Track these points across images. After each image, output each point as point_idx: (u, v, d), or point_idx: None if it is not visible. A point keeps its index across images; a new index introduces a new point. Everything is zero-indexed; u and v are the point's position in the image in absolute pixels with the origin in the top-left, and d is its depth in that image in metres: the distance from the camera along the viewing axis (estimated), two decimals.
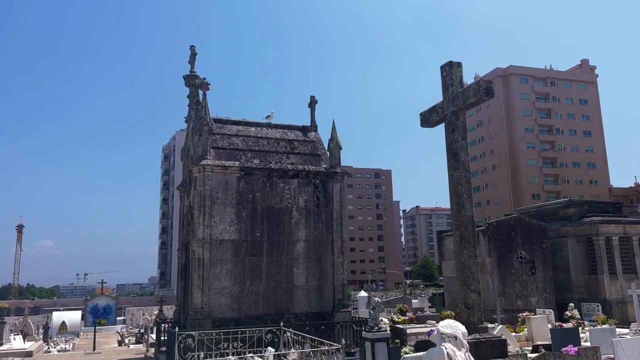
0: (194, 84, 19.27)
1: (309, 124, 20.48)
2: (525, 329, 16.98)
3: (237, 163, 17.03)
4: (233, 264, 16.42)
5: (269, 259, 16.87)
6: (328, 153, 18.77)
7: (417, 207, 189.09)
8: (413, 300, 30.00)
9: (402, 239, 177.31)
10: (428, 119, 6.77)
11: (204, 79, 17.37)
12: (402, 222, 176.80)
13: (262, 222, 16.98)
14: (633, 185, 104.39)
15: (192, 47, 19.51)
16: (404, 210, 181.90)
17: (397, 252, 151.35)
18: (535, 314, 19.33)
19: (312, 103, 20.45)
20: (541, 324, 16.47)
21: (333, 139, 18.49)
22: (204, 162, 16.47)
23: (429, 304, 24.22)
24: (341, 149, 18.55)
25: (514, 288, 22.31)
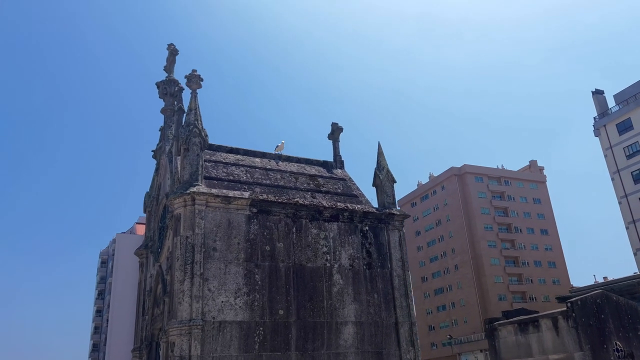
0: (172, 92, 13.15)
1: (332, 159, 14.54)
2: None
3: (246, 194, 10.54)
4: None
5: (301, 357, 9.84)
6: (377, 191, 12.66)
7: None
8: None
9: None
10: None
11: (195, 70, 11.35)
12: None
13: (287, 290, 10.17)
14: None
15: (170, 46, 13.67)
16: None
17: None
18: None
19: (335, 132, 14.71)
20: None
21: (382, 168, 12.51)
22: (194, 189, 9.88)
23: None
24: (395, 182, 12.51)
25: None
